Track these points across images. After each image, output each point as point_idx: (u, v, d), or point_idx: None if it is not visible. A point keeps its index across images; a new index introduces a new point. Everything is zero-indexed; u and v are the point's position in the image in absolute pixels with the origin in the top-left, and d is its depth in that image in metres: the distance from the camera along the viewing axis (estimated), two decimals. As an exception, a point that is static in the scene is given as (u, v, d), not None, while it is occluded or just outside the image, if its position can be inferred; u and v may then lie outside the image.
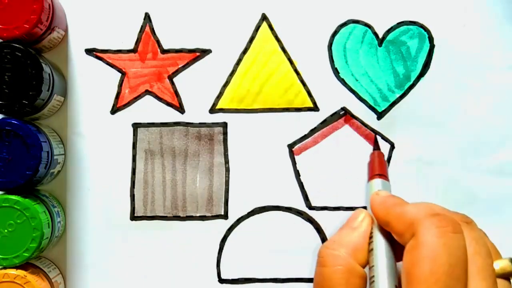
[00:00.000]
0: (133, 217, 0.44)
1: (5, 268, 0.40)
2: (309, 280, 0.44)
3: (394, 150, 0.45)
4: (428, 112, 0.44)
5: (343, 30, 0.45)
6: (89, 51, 0.44)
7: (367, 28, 0.44)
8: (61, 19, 0.43)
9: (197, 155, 0.45)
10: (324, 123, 0.45)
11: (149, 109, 0.45)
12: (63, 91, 0.44)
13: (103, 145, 0.44)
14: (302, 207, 0.45)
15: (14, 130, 0.39)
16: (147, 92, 0.45)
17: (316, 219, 0.45)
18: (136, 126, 0.44)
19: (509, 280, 0.34)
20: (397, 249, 0.36)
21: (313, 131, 0.45)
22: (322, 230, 0.45)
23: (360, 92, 0.45)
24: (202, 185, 0.45)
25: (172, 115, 0.45)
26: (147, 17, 0.44)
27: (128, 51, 0.44)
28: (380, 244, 0.36)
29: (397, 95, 0.45)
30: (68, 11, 0.44)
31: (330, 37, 0.45)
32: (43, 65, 0.40)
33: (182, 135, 0.45)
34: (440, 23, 0.44)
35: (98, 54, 0.44)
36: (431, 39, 0.44)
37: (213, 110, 0.45)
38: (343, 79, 0.45)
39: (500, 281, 0.33)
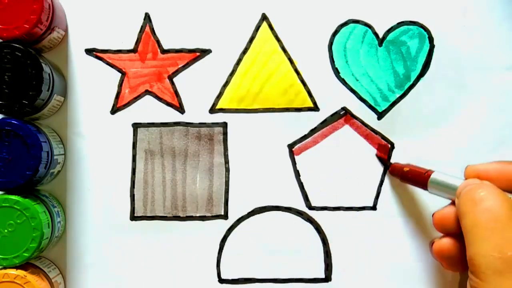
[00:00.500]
0: (133, 217, 0.44)
1: (5, 268, 0.40)
2: (309, 280, 0.44)
3: (394, 150, 0.45)
4: (428, 112, 0.44)
5: (343, 30, 0.45)
6: (89, 51, 0.44)
7: (368, 28, 0.44)
8: (61, 19, 0.43)
9: (197, 155, 0.45)
10: (324, 123, 0.45)
11: (149, 109, 0.45)
12: (63, 91, 0.44)
13: (103, 145, 0.44)
14: (302, 207, 0.45)
15: (14, 130, 0.39)
16: (147, 92, 0.45)
17: (316, 219, 0.45)
18: (136, 126, 0.44)
19: None
20: None
21: (313, 131, 0.45)
22: (322, 230, 0.45)
23: (361, 92, 0.45)
24: (202, 185, 0.45)
25: (172, 115, 0.45)
26: (147, 17, 0.44)
27: (128, 51, 0.44)
28: None
29: (397, 95, 0.45)
30: (68, 11, 0.44)
31: (331, 37, 0.45)
32: (43, 65, 0.40)
33: (182, 135, 0.45)
34: (440, 23, 0.44)
35: (98, 54, 0.44)
36: (431, 39, 0.44)
37: (213, 110, 0.45)
38: (343, 79, 0.45)
39: None
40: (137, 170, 0.44)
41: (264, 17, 0.44)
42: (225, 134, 0.45)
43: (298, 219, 0.45)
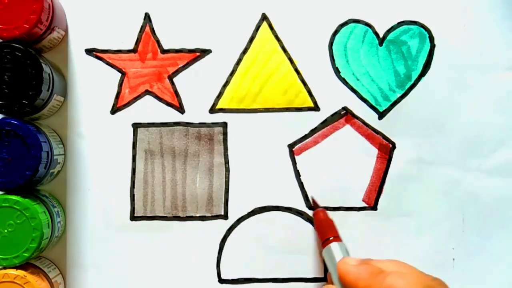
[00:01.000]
0: (133, 217, 0.44)
1: (5, 268, 0.40)
2: (309, 280, 0.44)
3: (395, 150, 0.44)
4: (429, 112, 0.44)
5: (343, 29, 0.44)
6: (89, 51, 0.44)
7: (368, 28, 0.44)
8: (61, 19, 0.43)
9: (197, 155, 0.45)
10: (325, 123, 0.45)
11: (149, 109, 0.44)
12: (63, 91, 0.44)
13: (103, 145, 0.44)
14: (302, 207, 0.45)
15: (14, 130, 0.39)
16: (147, 92, 0.45)
17: (316, 219, 0.45)
18: (136, 126, 0.44)
19: None
20: None
21: (313, 131, 0.45)
22: (322, 230, 0.45)
23: (361, 91, 0.45)
24: (202, 185, 0.45)
25: (172, 115, 0.45)
26: (147, 17, 0.44)
27: (128, 51, 0.44)
28: None
29: (398, 95, 0.45)
30: (68, 11, 0.44)
31: (331, 36, 0.44)
32: (43, 65, 0.40)
33: (182, 135, 0.45)
34: (441, 23, 0.44)
35: (98, 54, 0.44)
36: (431, 39, 0.44)
37: (213, 110, 0.45)
38: (344, 79, 0.45)
39: None
40: (137, 170, 0.44)
41: (264, 17, 0.44)
42: (225, 134, 0.45)
43: (298, 219, 0.44)
